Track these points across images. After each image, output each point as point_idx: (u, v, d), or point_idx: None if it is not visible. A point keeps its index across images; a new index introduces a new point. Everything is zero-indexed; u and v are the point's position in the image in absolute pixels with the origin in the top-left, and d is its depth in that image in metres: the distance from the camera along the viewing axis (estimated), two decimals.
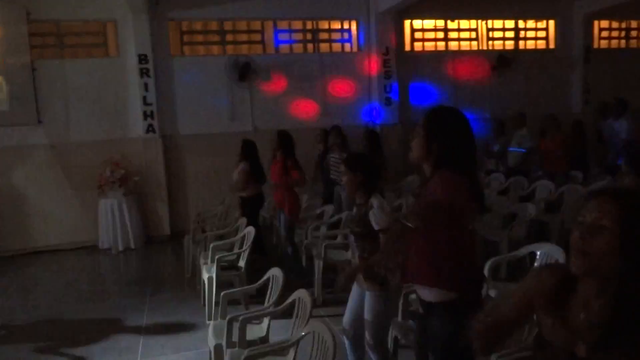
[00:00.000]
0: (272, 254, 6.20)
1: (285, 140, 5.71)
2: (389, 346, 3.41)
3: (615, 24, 10.28)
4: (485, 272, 3.96)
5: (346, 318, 3.26)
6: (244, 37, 8.46)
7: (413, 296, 3.22)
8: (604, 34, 10.26)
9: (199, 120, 8.10)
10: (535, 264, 3.96)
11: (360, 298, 3.16)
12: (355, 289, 3.24)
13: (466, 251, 2.33)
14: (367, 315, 3.06)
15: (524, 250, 4.19)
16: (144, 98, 7.74)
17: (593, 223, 1.25)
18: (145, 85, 7.72)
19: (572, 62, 9.84)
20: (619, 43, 10.40)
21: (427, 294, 2.37)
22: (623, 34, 10.41)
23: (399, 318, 3.48)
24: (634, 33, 10.47)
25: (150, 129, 7.81)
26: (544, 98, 9.45)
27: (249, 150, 5.89)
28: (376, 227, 2.92)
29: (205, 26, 8.32)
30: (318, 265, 5.02)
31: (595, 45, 10.04)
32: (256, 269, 4.75)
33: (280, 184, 5.69)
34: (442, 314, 2.31)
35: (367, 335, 3.09)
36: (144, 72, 7.69)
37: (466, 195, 2.24)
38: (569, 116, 8.91)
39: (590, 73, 9.75)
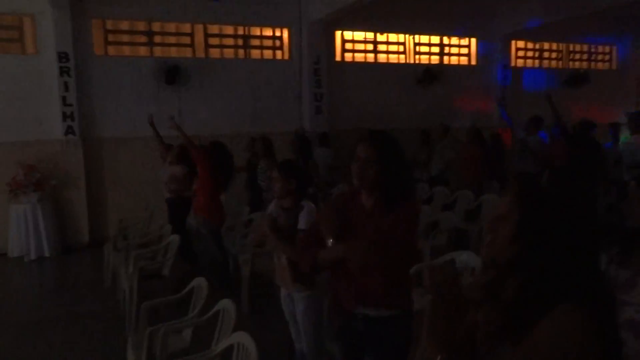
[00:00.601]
0: (200, 262, 6.06)
1: (214, 150, 5.62)
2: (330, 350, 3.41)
3: (530, 45, 10.99)
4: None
5: (295, 334, 3.21)
6: (172, 39, 8.25)
7: None
8: (520, 53, 10.94)
9: (123, 123, 7.79)
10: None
11: (289, 304, 3.16)
12: (284, 300, 3.22)
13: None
14: (300, 319, 3.06)
15: (445, 258, 4.37)
16: (64, 98, 7.35)
17: (499, 212, 1.29)
18: (65, 85, 7.33)
19: (491, 79, 10.40)
20: (533, 62, 11.14)
21: (376, 310, 2.35)
22: (537, 54, 11.16)
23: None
24: (546, 54, 11.24)
25: (69, 131, 7.42)
26: (467, 112, 9.92)
27: (185, 154, 5.83)
28: (303, 227, 2.95)
29: (132, 26, 8.04)
30: (245, 273, 4.97)
31: (512, 64, 10.67)
32: (182, 277, 4.63)
33: (201, 191, 5.57)
34: (391, 328, 2.32)
35: (304, 340, 3.08)
36: (64, 71, 7.31)
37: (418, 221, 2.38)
38: (489, 130, 9.39)
39: (507, 89, 10.34)
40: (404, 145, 2.44)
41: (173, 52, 8.23)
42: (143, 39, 8.06)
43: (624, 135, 8.01)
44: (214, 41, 8.45)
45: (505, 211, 1.27)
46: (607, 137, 8.41)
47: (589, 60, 11.77)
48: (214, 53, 8.47)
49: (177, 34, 8.27)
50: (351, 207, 2.39)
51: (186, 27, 8.28)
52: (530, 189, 1.27)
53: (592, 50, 11.79)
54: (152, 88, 7.94)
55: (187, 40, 8.30)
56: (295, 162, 3.63)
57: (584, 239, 1.23)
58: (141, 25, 8.03)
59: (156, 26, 8.10)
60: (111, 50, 7.92)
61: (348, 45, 9.37)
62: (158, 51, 8.12)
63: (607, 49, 11.95)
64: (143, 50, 8.07)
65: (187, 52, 8.30)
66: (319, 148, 8.19)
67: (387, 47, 9.67)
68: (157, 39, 8.14)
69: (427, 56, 10.01)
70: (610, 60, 12.03)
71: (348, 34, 9.34)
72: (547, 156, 7.52)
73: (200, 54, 8.36)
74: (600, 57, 11.94)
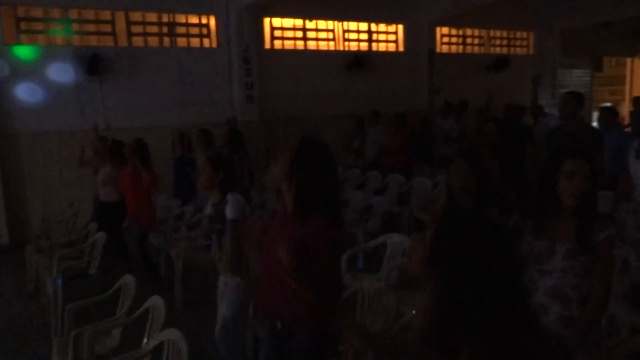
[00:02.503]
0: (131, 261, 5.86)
1: (139, 149, 5.30)
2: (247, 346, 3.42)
3: (453, 31, 11.35)
4: (343, 263, 4.16)
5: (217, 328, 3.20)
6: (92, 27, 7.84)
7: None
8: (445, 39, 11.28)
9: (41, 116, 7.33)
10: (387, 253, 4.27)
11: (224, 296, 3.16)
12: (219, 295, 3.22)
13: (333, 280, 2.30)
14: (224, 307, 3.07)
15: (378, 241, 4.48)
16: None
17: (419, 234, 1.38)
18: None
19: (419, 65, 10.67)
20: (457, 48, 11.52)
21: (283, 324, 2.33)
22: (461, 40, 11.55)
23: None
24: (469, 40, 11.66)
25: None
26: (396, 97, 10.12)
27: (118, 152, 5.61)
28: (229, 217, 3.00)
29: (47, 13, 7.55)
30: (178, 267, 4.86)
31: (438, 50, 10.98)
32: (114, 275, 4.46)
33: (132, 194, 5.34)
34: (306, 337, 2.29)
35: (220, 331, 3.09)
36: None
37: (338, 240, 2.23)
38: (418, 114, 9.65)
39: (434, 75, 10.64)
40: (337, 132, 2.45)
41: (93, 40, 7.81)
42: (59, 27, 7.60)
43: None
44: (137, 29, 8.11)
45: (422, 236, 1.35)
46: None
47: (508, 45, 12.32)
48: (138, 41, 8.13)
49: (97, 21, 7.86)
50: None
51: (106, 15, 7.88)
52: (447, 222, 1.33)
53: (511, 36, 12.34)
54: (72, 79, 7.52)
55: (107, 28, 7.91)
56: (224, 156, 3.64)
57: (495, 273, 1.25)
58: (57, 13, 7.56)
59: (73, 13, 7.66)
60: (24, 38, 7.40)
61: (277, 33, 9.28)
62: (76, 40, 7.69)
63: (524, 34, 12.55)
64: (60, 39, 7.61)
65: (109, 41, 7.91)
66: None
67: (317, 34, 9.67)
68: (75, 27, 7.70)
69: (356, 43, 10.11)
70: (527, 46, 12.65)
71: (277, 21, 9.25)
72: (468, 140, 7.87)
73: (123, 42, 7.99)
74: (518, 42, 12.52)
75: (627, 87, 15.61)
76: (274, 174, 2.31)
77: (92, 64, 7.51)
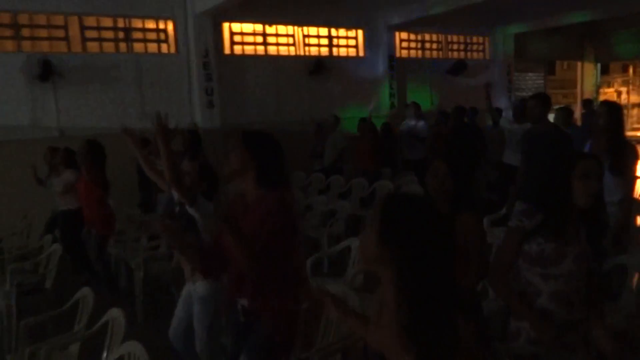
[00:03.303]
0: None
1: (89, 153, 5.13)
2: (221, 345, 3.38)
3: (412, 36, 11.54)
4: (308, 268, 4.14)
5: (174, 329, 3.15)
6: (43, 32, 7.59)
7: None
8: (404, 44, 11.46)
9: None
10: (351, 256, 4.28)
11: (189, 304, 3.10)
12: (183, 297, 3.17)
13: (292, 261, 2.39)
14: (195, 309, 3.02)
15: (342, 245, 4.48)
16: None
17: (369, 220, 1.46)
18: None
19: (379, 69, 10.77)
20: (417, 53, 11.72)
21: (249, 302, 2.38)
22: (419, 45, 11.76)
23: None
24: (427, 45, 11.88)
25: None
26: (357, 101, 10.20)
27: (74, 159, 5.42)
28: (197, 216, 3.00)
29: None
30: (138, 278, 4.73)
31: (397, 55, 11.13)
32: (71, 288, 4.30)
33: (85, 201, 5.17)
34: (265, 322, 2.34)
35: (196, 330, 3.04)
36: None
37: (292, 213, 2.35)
38: (379, 118, 9.73)
39: (394, 79, 10.78)
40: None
41: (45, 46, 7.57)
42: (8, 32, 7.32)
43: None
44: (91, 34, 7.90)
45: (370, 222, 1.45)
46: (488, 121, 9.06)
47: (465, 50, 12.62)
48: (93, 47, 7.93)
49: (49, 26, 7.62)
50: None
51: (59, 19, 7.65)
52: (391, 204, 1.45)
53: (468, 41, 12.65)
54: (24, 86, 7.26)
55: (60, 33, 7.68)
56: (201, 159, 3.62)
57: (435, 249, 1.38)
58: (5, 17, 7.29)
59: (23, 18, 7.40)
60: None
61: (237, 38, 9.22)
62: (27, 45, 7.44)
63: (480, 39, 12.88)
64: (10, 45, 7.34)
65: (62, 47, 7.68)
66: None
67: (277, 40, 9.65)
68: (26, 32, 7.44)
69: (316, 48, 10.14)
70: (483, 50, 12.99)
71: (236, 26, 9.19)
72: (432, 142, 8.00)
73: (77, 48, 7.78)
74: (475, 47, 12.85)
75: (578, 89, 16.23)
76: (227, 171, 2.40)
77: (45, 70, 7.27)
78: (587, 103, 11.92)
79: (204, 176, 3.18)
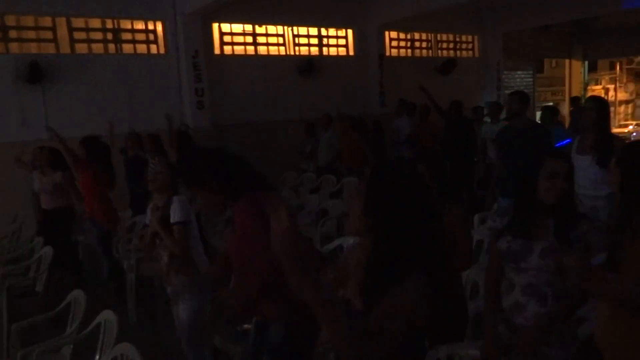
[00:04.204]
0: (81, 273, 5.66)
1: (93, 147, 5.27)
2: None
3: (402, 35, 11.58)
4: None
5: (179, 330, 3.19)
6: (31, 34, 7.53)
7: None
8: (394, 43, 11.49)
9: None
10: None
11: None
12: (173, 297, 3.18)
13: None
14: (182, 314, 3.03)
15: (334, 244, 4.49)
16: None
17: (356, 189, 1.55)
18: None
19: (369, 68, 10.80)
20: (406, 52, 11.76)
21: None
22: (409, 43, 11.79)
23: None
24: (417, 43, 11.92)
25: None
26: (348, 101, 10.21)
27: (59, 158, 5.45)
28: (173, 220, 3.00)
29: None
30: (130, 280, 4.72)
31: (387, 53, 11.16)
32: (62, 290, 4.29)
33: (90, 192, 5.21)
34: (277, 329, 2.32)
35: (183, 341, 3.05)
36: None
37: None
38: (370, 117, 9.76)
39: (384, 78, 10.80)
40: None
41: (33, 48, 7.51)
42: None
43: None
44: (79, 35, 7.84)
45: (357, 191, 1.53)
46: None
47: (455, 49, 12.68)
48: (81, 48, 7.87)
49: (37, 28, 7.56)
50: None
51: (46, 21, 7.60)
52: (378, 174, 1.52)
53: (457, 39, 12.71)
54: (11, 88, 7.19)
55: (48, 35, 7.62)
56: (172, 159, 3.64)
57: (421, 215, 1.47)
58: None
59: (10, 19, 7.33)
60: None
61: (227, 38, 9.19)
62: (15, 47, 7.37)
63: (470, 38, 12.94)
64: None
65: (50, 48, 7.62)
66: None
67: (267, 39, 9.64)
68: (13, 33, 7.38)
69: (306, 48, 10.14)
70: (473, 49, 13.06)
71: (226, 27, 9.16)
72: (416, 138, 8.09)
73: (66, 49, 7.71)
74: (464, 46, 12.91)
75: (567, 87, 16.37)
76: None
77: (33, 72, 7.21)
78: (575, 101, 12.06)
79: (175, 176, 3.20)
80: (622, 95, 18.91)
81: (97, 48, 8.01)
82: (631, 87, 19.13)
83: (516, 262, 2.25)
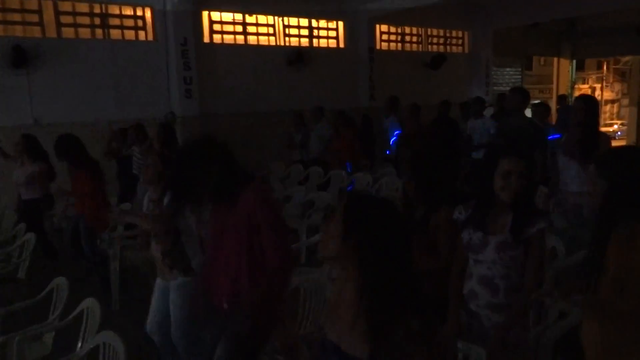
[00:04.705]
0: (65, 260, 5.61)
1: (67, 147, 4.96)
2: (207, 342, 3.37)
3: (392, 29, 11.56)
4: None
5: (151, 321, 3.13)
6: (16, 16, 7.39)
7: None
8: (384, 37, 11.47)
9: None
10: None
11: (165, 295, 3.08)
12: (158, 288, 3.15)
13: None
14: (172, 308, 3.00)
15: (319, 236, 4.49)
16: None
17: (332, 212, 1.54)
18: None
19: (359, 61, 10.78)
20: (396, 46, 11.75)
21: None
22: (399, 37, 11.78)
23: None
24: (407, 38, 11.92)
25: None
26: (337, 93, 10.19)
27: (37, 147, 5.35)
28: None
29: None
30: (114, 267, 4.69)
31: (377, 47, 11.14)
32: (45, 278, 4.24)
33: (78, 193, 5.05)
34: (243, 312, 2.39)
35: (175, 333, 3.02)
36: None
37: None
38: (358, 110, 9.77)
39: (374, 72, 10.79)
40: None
41: (18, 31, 7.37)
42: None
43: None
44: (66, 19, 7.72)
45: (334, 215, 1.56)
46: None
47: (445, 44, 12.69)
48: (68, 33, 7.74)
49: (22, 10, 7.42)
50: None
51: (32, 3, 7.46)
52: (355, 203, 1.56)
53: (448, 35, 12.72)
54: None
55: (34, 18, 7.48)
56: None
57: (398, 244, 1.51)
58: None
59: None
60: None
61: (216, 27, 9.11)
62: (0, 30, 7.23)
63: (460, 34, 12.97)
64: None
65: (36, 32, 7.49)
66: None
67: (257, 29, 9.57)
68: None
69: (297, 38, 10.08)
70: (463, 45, 13.09)
71: (216, 15, 9.07)
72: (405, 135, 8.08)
73: (52, 33, 7.59)
74: (454, 41, 12.93)
75: (555, 85, 16.48)
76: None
77: (18, 56, 7.08)
78: (561, 99, 12.15)
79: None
80: (608, 95, 19.11)
81: (84, 33, 7.89)
82: (617, 86, 19.34)
83: (474, 253, 2.37)
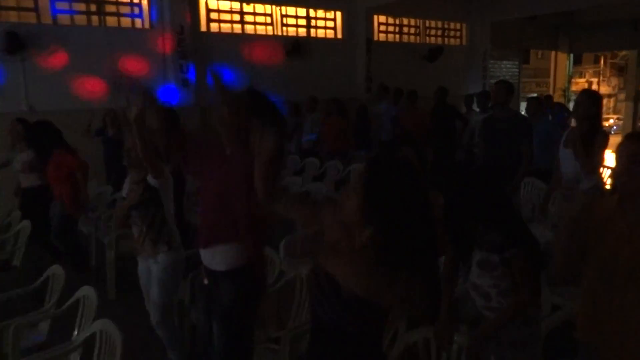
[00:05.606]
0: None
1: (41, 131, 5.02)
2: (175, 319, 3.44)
3: (390, 20, 11.51)
4: (281, 249, 4.17)
5: (149, 306, 3.20)
6: (10, 1, 7.31)
7: None
8: (382, 28, 11.42)
9: None
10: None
11: (150, 279, 3.16)
12: (142, 274, 3.26)
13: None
14: (153, 284, 3.06)
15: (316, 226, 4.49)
16: None
17: (352, 185, 1.58)
18: None
19: (356, 52, 10.74)
20: (394, 37, 11.70)
21: (216, 262, 2.46)
22: (397, 29, 11.73)
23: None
24: (405, 29, 11.87)
25: None
26: (334, 84, 10.15)
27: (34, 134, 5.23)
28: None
29: None
30: (109, 256, 4.69)
31: (375, 38, 11.10)
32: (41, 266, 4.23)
33: (55, 178, 5.04)
34: (229, 283, 2.45)
35: (155, 315, 3.08)
36: None
37: None
38: (355, 101, 9.74)
39: (371, 63, 10.75)
40: None
41: (12, 16, 7.29)
42: None
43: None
44: (62, 6, 7.64)
45: (353, 185, 1.56)
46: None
47: (442, 36, 12.65)
48: (63, 19, 7.67)
49: None
50: None
51: None
52: (376, 170, 1.55)
53: (446, 26, 12.67)
54: None
55: (29, 3, 7.40)
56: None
57: (418, 212, 1.52)
58: None
59: None
60: None
61: (213, 15, 9.04)
62: None
63: (458, 26, 12.92)
64: None
65: (31, 17, 7.41)
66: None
67: (255, 18, 9.50)
68: None
69: (294, 28, 10.03)
70: (460, 37, 13.05)
71: (213, 3, 9.00)
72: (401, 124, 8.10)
73: (47, 19, 7.51)
74: (452, 33, 12.89)
75: (552, 79, 16.50)
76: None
77: (12, 42, 7.01)
78: (547, 99, 12.05)
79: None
80: (604, 89, 19.17)
81: (80, 20, 7.82)
82: (614, 81, 19.40)
83: (463, 263, 2.44)
